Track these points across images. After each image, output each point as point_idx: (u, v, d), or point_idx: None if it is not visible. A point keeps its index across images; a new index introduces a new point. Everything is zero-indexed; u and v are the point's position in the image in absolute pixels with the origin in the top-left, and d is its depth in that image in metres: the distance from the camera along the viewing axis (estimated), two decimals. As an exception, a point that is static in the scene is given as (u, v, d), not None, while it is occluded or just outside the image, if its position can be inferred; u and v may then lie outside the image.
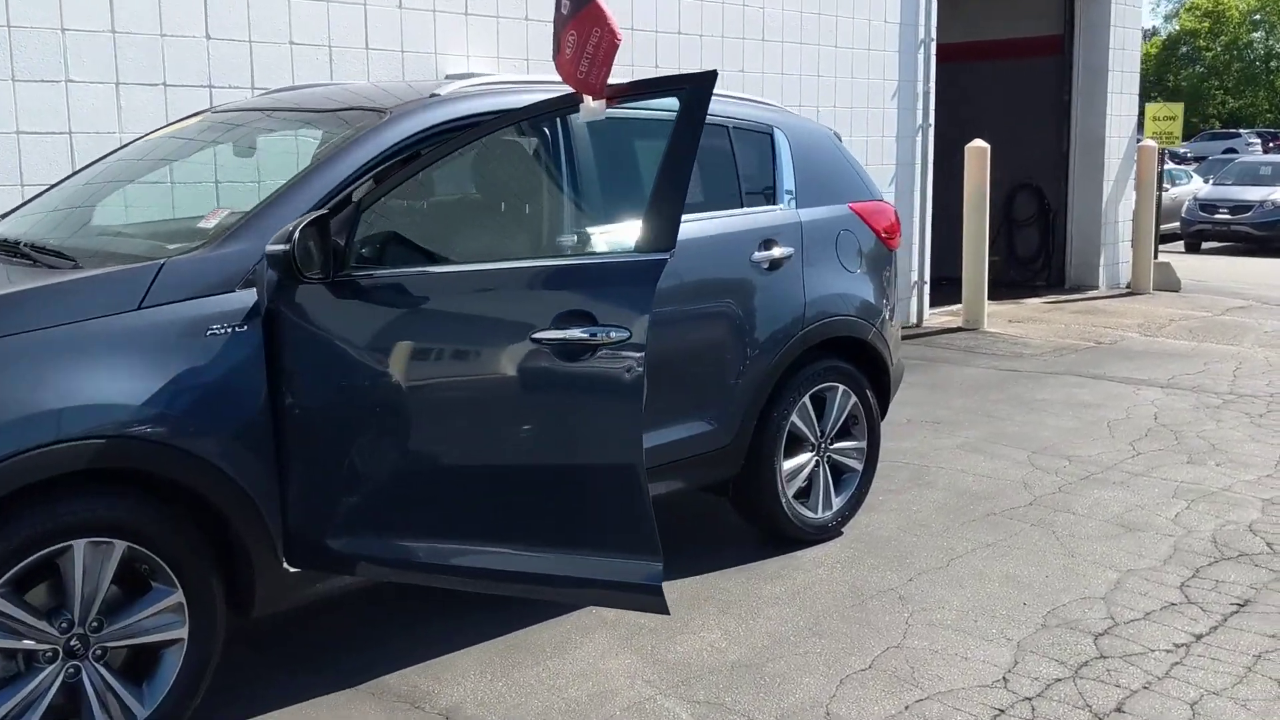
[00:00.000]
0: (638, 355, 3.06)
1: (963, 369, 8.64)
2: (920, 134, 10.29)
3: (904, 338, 9.79)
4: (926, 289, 10.62)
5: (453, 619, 4.12)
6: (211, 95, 5.88)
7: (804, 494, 4.91)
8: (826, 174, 5.02)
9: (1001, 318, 10.98)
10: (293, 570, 3.33)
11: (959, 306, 10.60)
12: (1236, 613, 4.27)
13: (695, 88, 3.16)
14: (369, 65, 6.50)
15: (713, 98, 4.67)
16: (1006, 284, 13.29)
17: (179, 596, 3.14)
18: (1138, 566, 4.69)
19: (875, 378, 5.13)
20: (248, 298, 3.21)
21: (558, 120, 3.66)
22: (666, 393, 4.29)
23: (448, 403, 3.22)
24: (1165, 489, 5.69)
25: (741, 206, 4.65)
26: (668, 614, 3.22)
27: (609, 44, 3.03)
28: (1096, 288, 12.91)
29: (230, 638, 3.42)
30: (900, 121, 10.10)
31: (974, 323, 10.34)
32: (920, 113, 10.25)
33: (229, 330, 3.17)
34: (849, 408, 4.99)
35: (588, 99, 3.12)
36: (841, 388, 4.94)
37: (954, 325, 10.48)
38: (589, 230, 3.80)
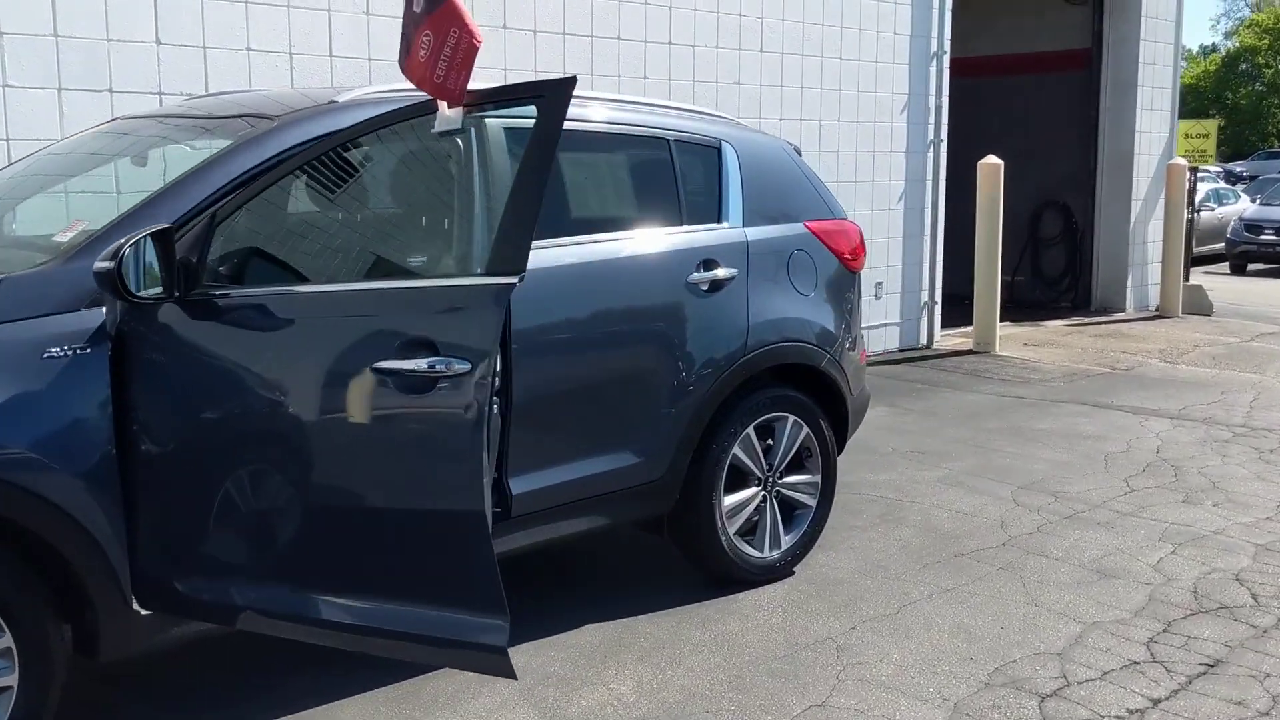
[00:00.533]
0: (480, 391, 2.78)
1: (963, 395, 8.28)
2: (932, 149, 9.94)
3: (911, 360, 9.46)
4: (937, 310, 10.25)
5: (341, 665, 3.84)
6: (161, 101, 5.70)
7: (750, 531, 4.60)
8: (780, 191, 4.72)
9: (1016, 340, 10.58)
10: (144, 613, 3.09)
11: (973, 328, 10.22)
12: (1203, 674, 3.91)
13: (552, 94, 2.89)
14: (333, 73, 6.29)
15: (655, 108, 4.46)
16: (1030, 305, 12.88)
17: (7, 641, 2.91)
18: (1104, 618, 4.34)
19: (831, 408, 4.81)
20: (93, 318, 2.98)
21: (418, 130, 3.39)
22: (588, 422, 4.03)
23: (291, 437, 2.97)
24: (1152, 531, 5.32)
25: (682, 224, 4.37)
26: (514, 678, 2.94)
27: (468, 45, 2.77)
28: (1124, 310, 12.45)
29: (89, 676, 3.19)
30: (910, 136, 9.76)
31: (985, 345, 9.95)
32: (932, 127, 9.89)
33: (69, 353, 2.94)
34: (800, 440, 4.68)
35: (443, 107, 2.86)
36: (791, 418, 4.63)
37: (964, 348, 10.09)
38: (446, 250, 3.53)
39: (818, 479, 4.77)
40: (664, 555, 4.79)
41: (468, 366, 2.76)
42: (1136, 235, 12.40)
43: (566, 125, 4.05)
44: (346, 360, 2.87)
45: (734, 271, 4.40)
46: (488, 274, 2.80)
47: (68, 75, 5.44)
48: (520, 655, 3.95)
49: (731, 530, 4.49)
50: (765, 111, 8.56)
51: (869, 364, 9.25)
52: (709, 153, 4.55)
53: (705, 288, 4.31)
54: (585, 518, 4.08)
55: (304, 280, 3.21)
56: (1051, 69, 12.82)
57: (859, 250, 4.98)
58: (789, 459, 4.66)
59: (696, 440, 4.31)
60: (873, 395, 8.25)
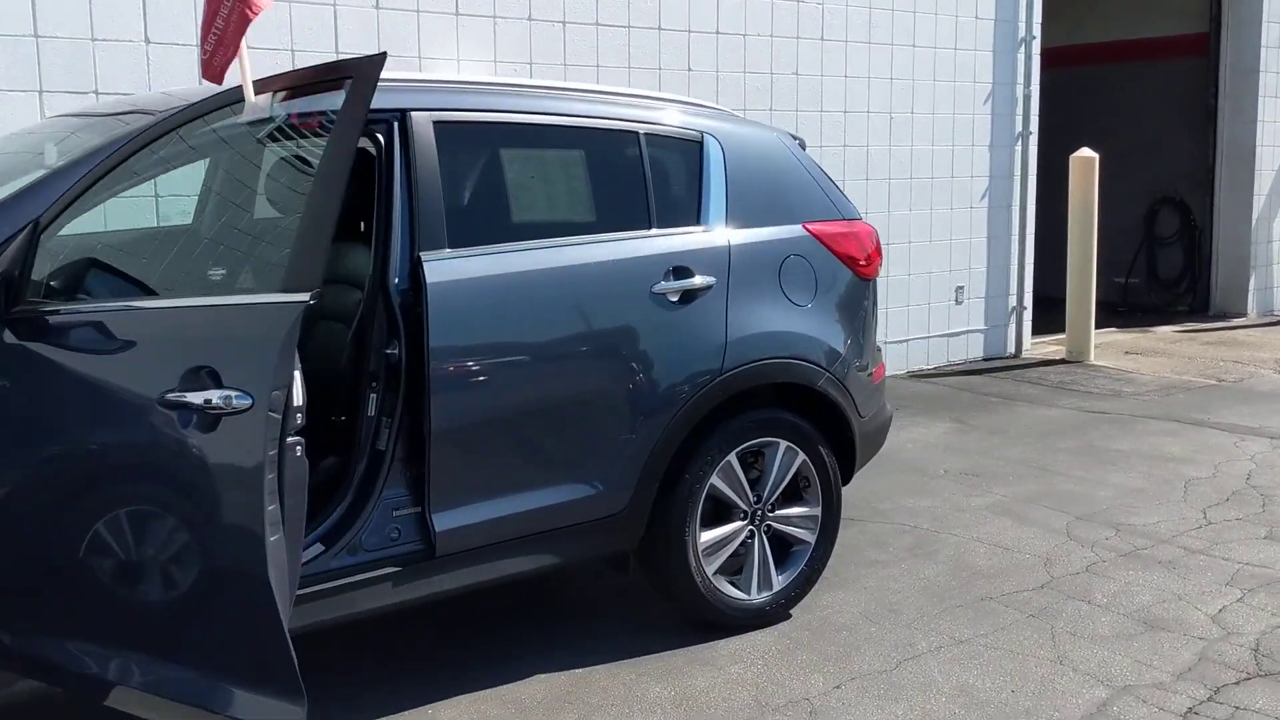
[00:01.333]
0: (261, 431, 2.36)
1: (1040, 410, 7.58)
2: (1020, 142, 9.22)
3: (994, 370, 8.79)
4: (1027, 316, 9.51)
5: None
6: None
7: (737, 570, 4.11)
8: (774, 189, 4.22)
9: (1117, 349, 9.76)
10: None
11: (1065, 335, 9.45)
12: (1245, 758, 3.29)
13: (360, 77, 2.46)
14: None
15: (623, 99, 3.99)
16: (1146, 309, 11.97)
17: None
18: (1139, 681, 3.73)
19: (834, 433, 4.29)
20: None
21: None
22: (532, 450, 3.61)
23: (84, 477, 2.59)
24: (1221, 573, 4.64)
25: (651, 228, 3.90)
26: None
27: (240, 18, 2.38)
28: (1245, 314, 11.46)
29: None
30: (995, 129, 9.06)
31: (1078, 354, 9.19)
32: (1020, 119, 9.17)
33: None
34: (794, 468, 4.17)
35: (249, 93, 2.47)
36: (783, 444, 4.12)
37: (1057, 357, 9.34)
38: (244, 263, 3.11)
39: (817, 512, 4.25)
40: (645, 591, 4.32)
41: (249, 402, 2.36)
42: (1260, 234, 11.40)
43: (510, 119, 3.67)
44: (139, 389, 2.49)
45: (711, 280, 3.92)
46: (281, 290, 2.39)
47: (50, 78, 5.24)
48: (449, 710, 3.54)
49: (710, 569, 4.01)
50: (827, 104, 8.00)
51: (944, 373, 8.65)
52: (688, 148, 4.07)
53: (674, 298, 3.84)
54: (530, 556, 3.65)
55: (150, 294, 2.85)
56: (1163, 55, 11.88)
57: (874, 256, 4.44)
58: (781, 489, 4.15)
59: (664, 469, 3.84)
60: (940, 409, 7.66)
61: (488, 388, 3.47)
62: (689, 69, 7.31)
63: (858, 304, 4.37)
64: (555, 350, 3.63)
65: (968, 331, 9.16)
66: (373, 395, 3.38)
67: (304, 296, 2.36)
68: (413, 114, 3.47)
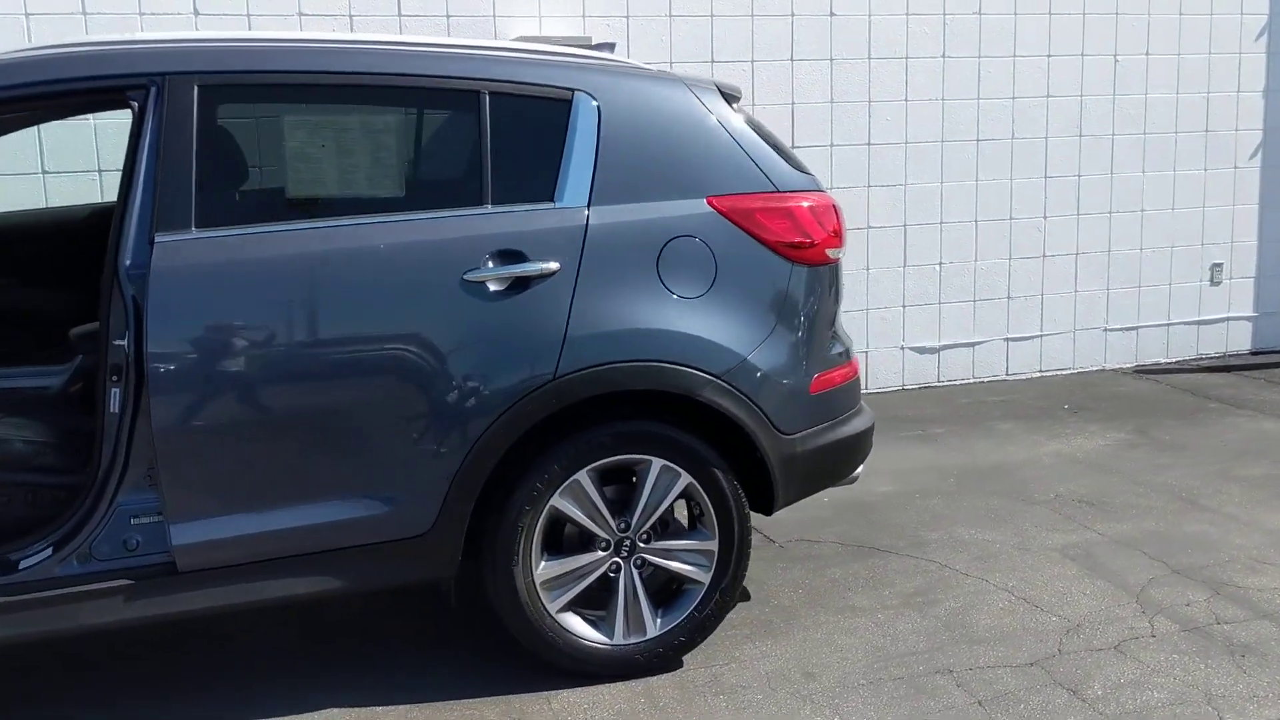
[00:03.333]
0: None
1: (1262, 423, 6.09)
2: (1310, 87, 7.46)
3: (1256, 367, 7.23)
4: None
5: None
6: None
7: (603, 607, 3.49)
8: (668, 156, 3.48)
9: None
10: None
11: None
12: None
13: None
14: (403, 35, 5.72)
15: (469, 52, 3.47)
16: None
17: None
18: (1032, 820, 2.77)
19: (742, 452, 3.52)
20: None
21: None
22: (298, 460, 3.18)
23: None
24: (1303, 673, 3.42)
25: (483, 205, 3.32)
26: None
27: None
28: None
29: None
30: (1271, 71, 7.37)
31: (1377, 351, 7.36)
32: (1311, 58, 7.42)
33: None
34: (675, 491, 3.46)
35: None
36: (658, 463, 3.42)
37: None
38: None
39: (712, 546, 3.52)
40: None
41: None
42: None
43: (298, 81, 3.21)
44: None
45: (553, 266, 3.29)
46: None
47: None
48: (197, 738, 3.22)
49: (553, 606, 3.41)
50: (1020, 47, 6.80)
51: (1182, 369, 7.06)
52: (552, 109, 3.43)
53: (497, 288, 3.25)
54: (306, 578, 3.22)
55: None
56: None
57: (822, 237, 3.59)
58: (657, 516, 3.47)
59: (480, 486, 3.28)
60: (1128, 415, 6.28)
61: (229, 388, 3.08)
62: (830, 14, 6.43)
63: (786, 296, 3.55)
64: (325, 347, 3.16)
65: (1227, 319, 7.58)
66: (114, 390, 3.09)
67: None
68: (171, 78, 3.12)
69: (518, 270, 3.26)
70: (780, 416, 3.52)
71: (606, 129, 3.43)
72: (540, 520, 3.35)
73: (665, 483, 3.45)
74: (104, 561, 3.10)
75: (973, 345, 7.02)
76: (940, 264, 6.87)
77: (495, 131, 3.36)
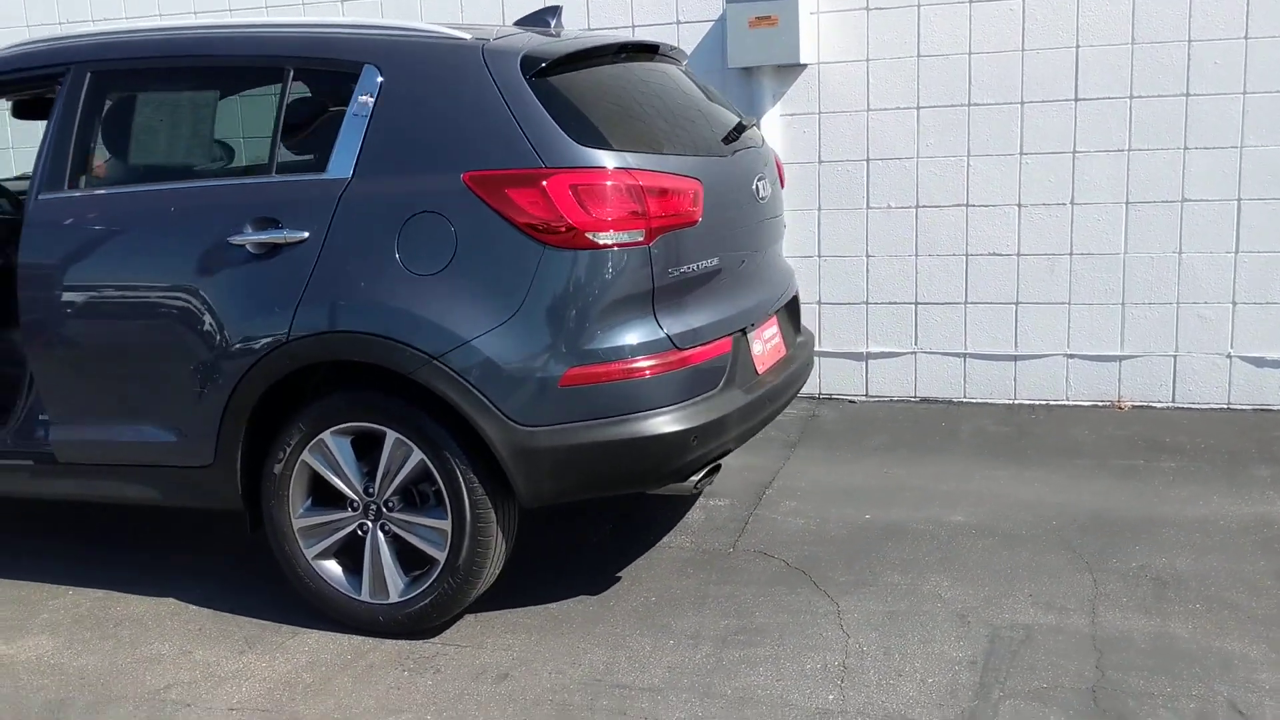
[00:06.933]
0: None
1: None
2: None
3: None
4: None
5: None
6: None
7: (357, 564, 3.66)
8: (437, 127, 3.42)
9: None
10: None
11: None
12: None
13: None
14: (422, 7, 5.93)
15: (284, 31, 3.82)
16: None
17: None
18: None
19: (480, 434, 3.41)
20: None
21: None
22: (116, 386, 3.81)
23: None
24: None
25: (271, 174, 3.60)
26: None
27: None
28: None
29: None
30: None
31: None
32: None
33: None
34: (409, 466, 3.48)
35: None
36: (392, 435, 3.48)
37: None
38: None
39: (445, 526, 3.48)
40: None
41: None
42: None
43: (150, 66, 3.77)
44: None
45: (303, 235, 3.48)
46: None
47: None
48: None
49: (310, 552, 3.66)
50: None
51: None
52: (341, 81, 3.56)
53: (255, 251, 3.53)
54: (136, 485, 3.86)
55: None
56: None
57: (576, 215, 3.26)
58: (397, 486, 3.53)
59: (243, 431, 3.63)
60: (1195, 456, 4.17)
61: (66, 320, 3.76)
62: None
63: (533, 281, 3.31)
64: (129, 291, 3.69)
65: None
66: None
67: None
68: (74, 66, 3.85)
69: (267, 236, 3.51)
70: (515, 407, 3.34)
71: (383, 101, 3.50)
72: (295, 471, 3.61)
73: (400, 455, 3.49)
74: (21, 444, 3.99)
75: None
76: (1292, 248, 5.28)
77: (291, 105, 3.62)
